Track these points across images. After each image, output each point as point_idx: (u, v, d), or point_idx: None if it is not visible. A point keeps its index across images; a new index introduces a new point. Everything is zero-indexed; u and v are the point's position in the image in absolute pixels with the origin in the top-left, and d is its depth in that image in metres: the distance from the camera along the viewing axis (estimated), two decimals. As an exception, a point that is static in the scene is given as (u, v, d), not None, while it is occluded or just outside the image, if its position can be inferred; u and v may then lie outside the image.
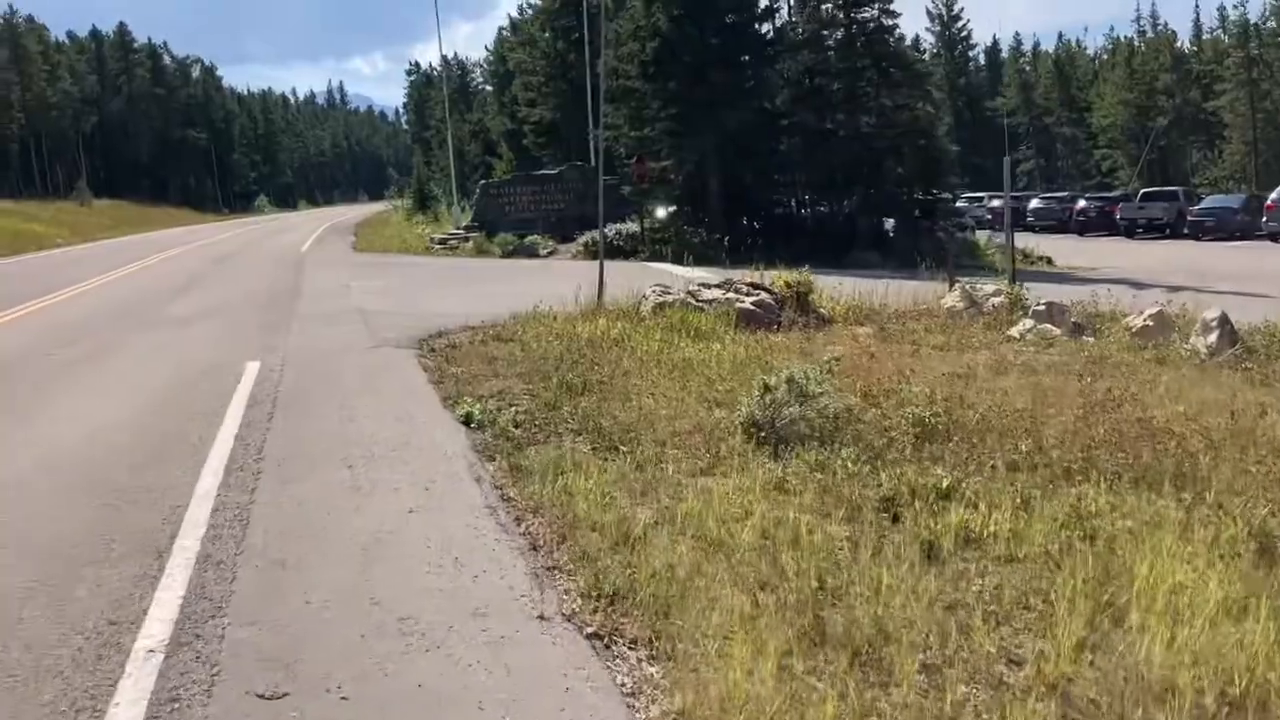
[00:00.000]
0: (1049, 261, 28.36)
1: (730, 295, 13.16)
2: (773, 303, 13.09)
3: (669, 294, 13.20)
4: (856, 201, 27.02)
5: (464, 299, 16.55)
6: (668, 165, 29.13)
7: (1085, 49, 78.48)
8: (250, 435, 7.55)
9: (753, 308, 12.84)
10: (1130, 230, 40.40)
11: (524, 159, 48.67)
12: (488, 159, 62.89)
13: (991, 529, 5.17)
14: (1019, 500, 5.56)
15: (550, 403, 8.22)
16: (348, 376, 9.89)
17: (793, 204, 29.67)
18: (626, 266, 26.46)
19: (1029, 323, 12.65)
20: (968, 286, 14.19)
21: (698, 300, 13.06)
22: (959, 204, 33.25)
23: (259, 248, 35.86)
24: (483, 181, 37.82)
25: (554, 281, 20.57)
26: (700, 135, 27.36)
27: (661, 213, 29.62)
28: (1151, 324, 12.06)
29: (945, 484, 5.79)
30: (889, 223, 28.36)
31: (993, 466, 6.21)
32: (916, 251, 26.98)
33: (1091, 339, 12.31)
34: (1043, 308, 12.93)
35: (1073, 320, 12.89)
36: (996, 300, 13.95)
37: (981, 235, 30.03)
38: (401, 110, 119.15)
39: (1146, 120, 59.93)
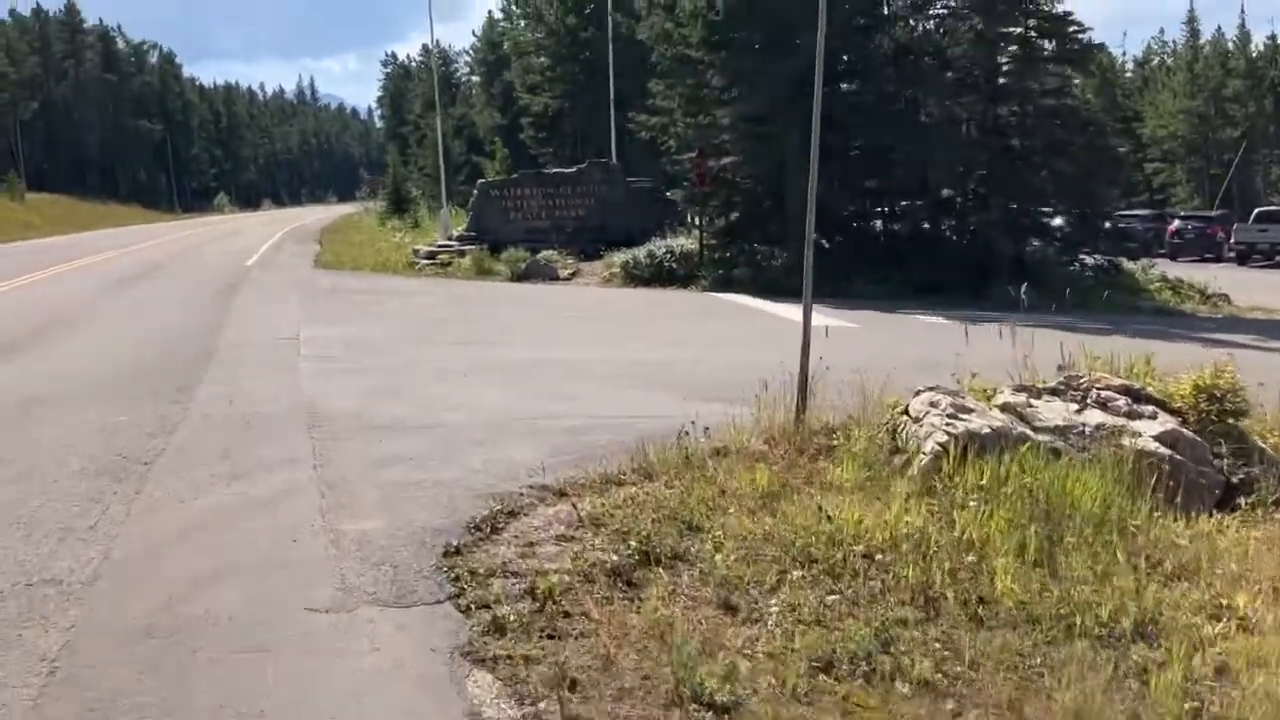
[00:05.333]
0: (1228, 300, 21.76)
1: (1095, 417, 6.20)
2: (1194, 437, 6.14)
3: (968, 414, 6.17)
4: (993, 217, 20.08)
5: (506, 380, 9.38)
6: (727, 164, 22.13)
7: (1123, 53, 72.14)
8: None
9: (1165, 452, 5.89)
10: (1244, 257, 34.51)
11: (518, 158, 41.68)
12: (474, 158, 55.76)
13: None
14: None
15: None
16: None
17: (896, 217, 22.65)
18: (692, 300, 19.38)
19: None
20: None
21: (1034, 426, 6.09)
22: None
23: (193, 259, 28.29)
24: (481, 181, 30.65)
25: (633, 328, 13.51)
26: (784, 125, 20.39)
27: (713, 221, 22.62)
28: None
29: None
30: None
31: None
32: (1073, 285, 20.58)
33: None
34: None
35: None
36: None
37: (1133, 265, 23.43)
38: (375, 106, 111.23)
39: (1210, 132, 53.65)
